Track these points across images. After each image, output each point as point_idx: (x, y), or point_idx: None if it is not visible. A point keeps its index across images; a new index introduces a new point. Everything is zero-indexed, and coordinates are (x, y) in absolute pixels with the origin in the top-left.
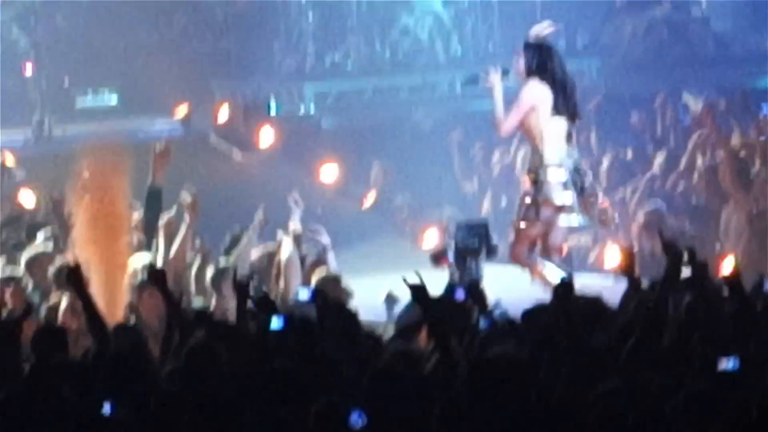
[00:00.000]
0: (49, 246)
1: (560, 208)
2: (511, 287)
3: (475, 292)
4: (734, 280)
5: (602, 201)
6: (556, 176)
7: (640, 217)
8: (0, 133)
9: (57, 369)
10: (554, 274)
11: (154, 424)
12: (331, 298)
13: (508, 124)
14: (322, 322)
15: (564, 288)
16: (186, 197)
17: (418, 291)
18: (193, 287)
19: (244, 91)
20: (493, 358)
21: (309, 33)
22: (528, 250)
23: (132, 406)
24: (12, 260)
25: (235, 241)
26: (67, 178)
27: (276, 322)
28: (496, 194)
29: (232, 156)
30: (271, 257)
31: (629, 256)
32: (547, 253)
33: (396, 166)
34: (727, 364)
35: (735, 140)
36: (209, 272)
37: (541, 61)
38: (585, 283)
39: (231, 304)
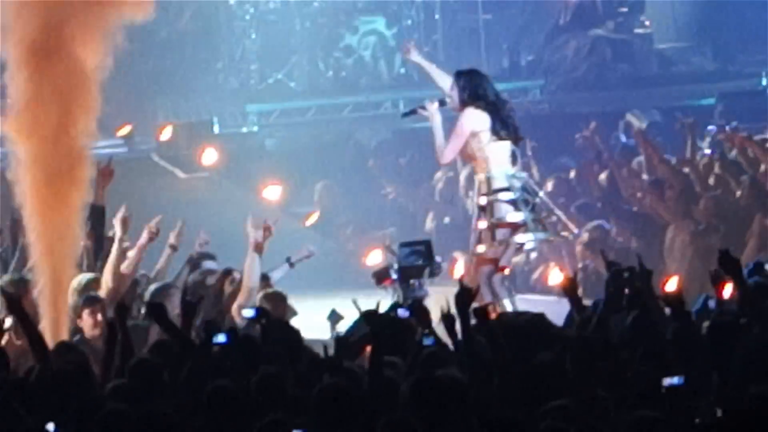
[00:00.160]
0: None
1: (515, 227)
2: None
3: (418, 310)
4: (677, 299)
5: (558, 215)
6: (505, 198)
7: (584, 236)
8: None
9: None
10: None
11: None
12: (275, 316)
13: (449, 152)
14: (266, 340)
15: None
16: (118, 213)
17: (369, 314)
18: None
19: (187, 110)
20: (438, 377)
21: (252, 52)
22: (489, 273)
23: (75, 424)
24: None
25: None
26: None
27: (220, 337)
28: (438, 213)
29: (175, 175)
30: (205, 276)
31: (572, 275)
32: (497, 272)
33: (339, 184)
34: (671, 380)
35: (676, 160)
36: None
37: (473, 89)
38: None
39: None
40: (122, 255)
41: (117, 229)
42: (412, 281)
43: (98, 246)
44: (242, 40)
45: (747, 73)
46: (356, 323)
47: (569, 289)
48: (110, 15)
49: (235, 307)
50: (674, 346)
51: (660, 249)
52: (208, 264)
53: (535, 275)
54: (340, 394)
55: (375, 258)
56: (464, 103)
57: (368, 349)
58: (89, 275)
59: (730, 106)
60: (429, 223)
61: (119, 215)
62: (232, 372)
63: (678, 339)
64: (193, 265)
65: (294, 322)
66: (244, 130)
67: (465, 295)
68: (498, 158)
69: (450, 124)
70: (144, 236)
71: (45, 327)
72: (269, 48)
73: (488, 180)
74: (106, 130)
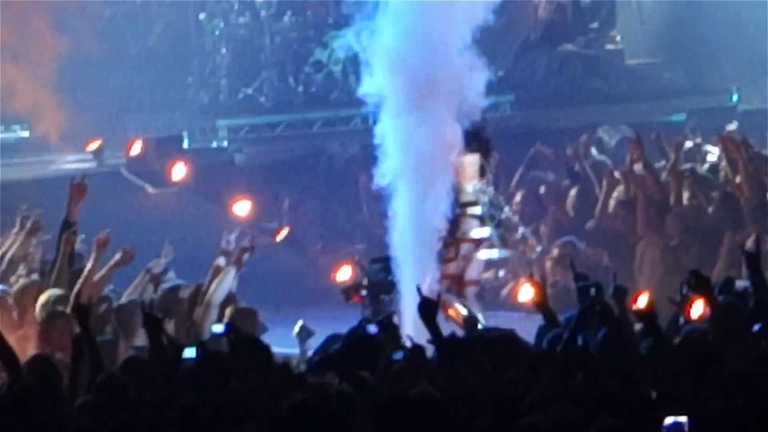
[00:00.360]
0: None
1: (479, 243)
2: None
3: (388, 326)
4: (648, 315)
5: (522, 231)
6: (472, 212)
7: (554, 251)
8: None
9: None
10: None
11: None
12: (245, 331)
13: None
14: (235, 356)
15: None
16: (101, 235)
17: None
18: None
19: (156, 125)
20: (410, 394)
21: (222, 67)
22: (444, 288)
23: None
24: None
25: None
26: None
27: (189, 352)
28: None
29: (144, 190)
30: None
31: (542, 291)
32: (462, 287)
33: (309, 200)
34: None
35: (651, 179)
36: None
37: None
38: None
39: (139, 339)
40: (93, 274)
41: (93, 250)
42: (382, 297)
43: (68, 262)
44: (212, 55)
45: (717, 89)
46: (326, 340)
47: (541, 303)
48: None
49: (200, 321)
50: (647, 362)
51: (631, 266)
52: (171, 276)
53: (505, 292)
54: (308, 410)
55: (345, 274)
56: None
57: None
58: (58, 291)
59: (701, 122)
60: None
61: (101, 237)
62: (201, 388)
63: (651, 355)
64: (154, 278)
65: (264, 337)
66: (214, 145)
67: (428, 306)
68: (467, 171)
69: None
70: (117, 256)
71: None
72: (239, 63)
73: (456, 193)
74: (75, 144)
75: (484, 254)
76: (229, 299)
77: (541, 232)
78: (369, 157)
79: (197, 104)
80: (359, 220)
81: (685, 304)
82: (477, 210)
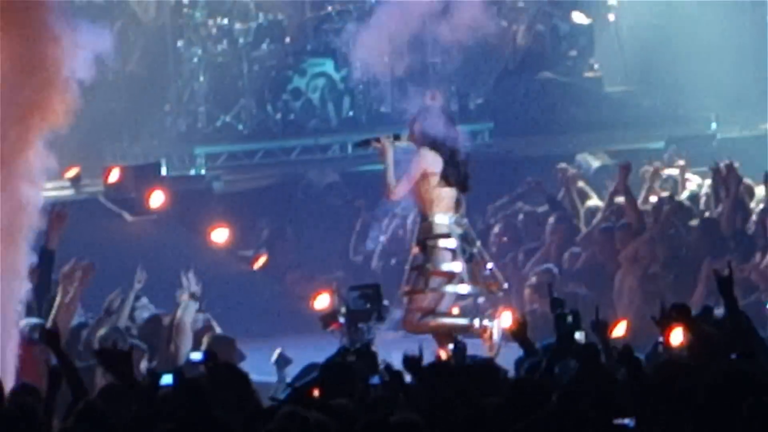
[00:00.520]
0: None
1: (450, 277)
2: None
3: (366, 355)
4: (625, 347)
5: (491, 268)
6: (445, 245)
7: (532, 279)
8: None
9: None
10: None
11: None
12: (222, 359)
13: (400, 189)
14: (214, 384)
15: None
16: (84, 263)
17: None
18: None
19: (134, 152)
20: (390, 421)
21: (200, 95)
22: (420, 317)
23: None
24: None
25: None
26: None
27: (167, 379)
28: (385, 255)
29: (122, 217)
30: (158, 321)
31: (521, 320)
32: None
33: (287, 227)
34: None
35: (629, 207)
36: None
37: (436, 132)
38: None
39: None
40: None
41: (76, 279)
42: (360, 325)
43: (45, 290)
44: (190, 83)
45: (696, 117)
46: (304, 369)
47: (518, 333)
48: None
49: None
50: (625, 390)
51: (610, 294)
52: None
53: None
54: None
55: (323, 302)
56: (424, 143)
57: (315, 392)
58: (34, 320)
59: (680, 150)
60: (375, 263)
61: (83, 265)
62: (178, 415)
63: (628, 383)
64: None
65: (242, 365)
66: (192, 172)
67: (412, 361)
68: (442, 203)
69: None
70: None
71: None
72: (217, 90)
73: (430, 224)
74: (53, 172)
75: (452, 289)
76: (207, 327)
77: (520, 261)
78: (348, 184)
79: (175, 131)
80: (337, 247)
81: (664, 329)
82: (450, 243)
